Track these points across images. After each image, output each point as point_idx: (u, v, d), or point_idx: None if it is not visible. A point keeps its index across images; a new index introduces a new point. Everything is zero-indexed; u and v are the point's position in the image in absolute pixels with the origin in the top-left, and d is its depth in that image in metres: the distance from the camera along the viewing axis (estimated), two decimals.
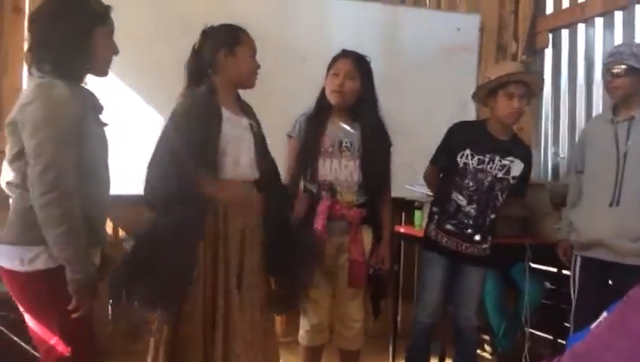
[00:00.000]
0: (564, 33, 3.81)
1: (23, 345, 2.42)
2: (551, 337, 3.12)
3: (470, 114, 3.70)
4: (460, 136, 2.59)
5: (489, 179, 2.51)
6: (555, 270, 2.97)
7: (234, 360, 2.06)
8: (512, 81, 2.46)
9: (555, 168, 3.82)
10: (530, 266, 2.92)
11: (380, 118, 2.50)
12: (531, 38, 3.95)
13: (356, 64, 2.43)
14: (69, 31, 1.70)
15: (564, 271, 2.81)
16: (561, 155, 3.75)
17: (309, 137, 2.44)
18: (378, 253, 2.49)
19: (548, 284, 3.19)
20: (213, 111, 2.12)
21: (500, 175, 2.51)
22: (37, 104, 1.61)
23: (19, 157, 1.66)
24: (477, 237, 2.53)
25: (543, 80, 2.68)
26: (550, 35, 3.90)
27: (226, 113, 2.16)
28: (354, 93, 2.43)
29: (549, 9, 3.94)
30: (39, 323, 1.71)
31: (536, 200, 3.03)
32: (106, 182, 1.86)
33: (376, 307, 2.58)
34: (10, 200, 1.74)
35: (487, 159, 2.51)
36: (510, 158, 2.52)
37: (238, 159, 2.17)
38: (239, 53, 2.19)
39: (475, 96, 2.65)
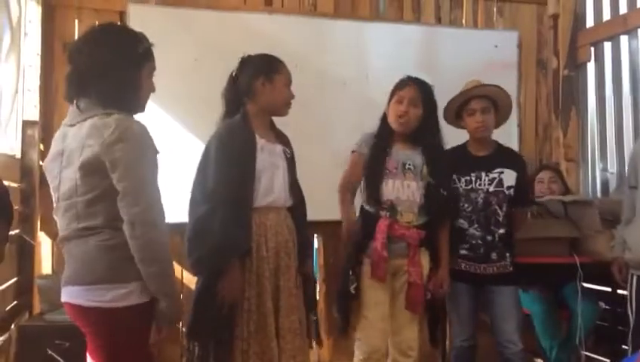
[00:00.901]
0: (607, 46, 3.73)
1: None
2: (608, 360, 3.00)
3: (512, 130, 3.66)
4: None
5: (482, 196, 2.54)
6: (609, 289, 2.86)
7: None
8: (471, 97, 2.55)
9: (604, 184, 3.71)
10: (582, 286, 2.82)
11: (442, 145, 2.49)
12: (573, 53, 3.88)
13: (420, 91, 2.43)
14: (127, 66, 1.69)
15: (620, 291, 2.70)
16: (610, 171, 3.65)
17: (375, 159, 2.44)
18: (437, 277, 2.45)
19: (602, 304, 3.07)
20: (247, 139, 2.18)
21: (491, 189, 2.53)
22: (127, 144, 1.59)
23: (103, 198, 1.62)
24: (493, 256, 2.52)
25: (500, 89, 2.65)
26: (592, 49, 3.83)
27: (260, 141, 2.21)
28: (417, 119, 2.43)
29: (590, 22, 3.88)
30: (119, 356, 1.67)
31: (585, 217, 2.95)
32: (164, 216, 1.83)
33: (433, 334, 2.52)
34: (78, 242, 1.66)
35: (473, 178, 2.56)
36: (498, 170, 2.55)
37: (272, 186, 2.21)
38: (276, 81, 2.25)
39: (446, 120, 2.67)
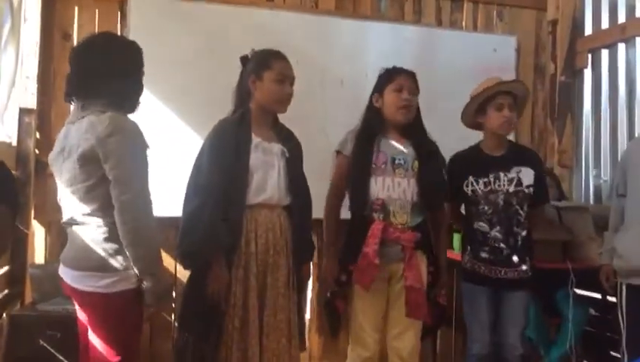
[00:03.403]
0: (604, 53, 3.76)
1: None
2: None
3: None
4: (458, 167, 2.58)
5: (502, 197, 2.48)
6: (599, 296, 2.88)
7: None
8: (498, 92, 2.49)
9: (597, 191, 3.74)
10: (574, 292, 2.84)
11: (431, 137, 2.45)
12: (570, 59, 3.90)
13: (415, 80, 2.41)
14: (127, 67, 1.89)
15: (610, 298, 2.73)
16: (603, 178, 3.68)
17: (363, 154, 2.35)
18: (440, 281, 2.41)
19: (592, 311, 3.09)
20: (241, 137, 2.18)
21: (511, 189, 2.48)
22: (119, 137, 1.77)
23: (99, 185, 1.79)
24: (515, 259, 2.47)
25: (526, 86, 2.67)
26: (589, 56, 3.85)
27: (255, 140, 2.21)
28: (415, 110, 2.39)
29: (588, 30, 3.90)
30: (107, 340, 1.84)
31: (579, 223, 2.97)
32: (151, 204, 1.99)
33: (426, 335, 2.47)
34: (77, 228, 1.85)
35: (492, 179, 2.50)
36: (516, 169, 2.50)
37: (264, 185, 2.20)
38: (266, 78, 2.23)
39: (463, 116, 2.62)
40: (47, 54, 3.16)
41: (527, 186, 2.49)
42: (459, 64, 3.73)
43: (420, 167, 2.36)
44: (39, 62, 3.09)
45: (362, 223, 2.31)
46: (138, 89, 1.94)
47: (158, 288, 1.81)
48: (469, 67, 3.73)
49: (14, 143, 2.99)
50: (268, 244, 2.19)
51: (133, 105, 1.93)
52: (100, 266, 1.80)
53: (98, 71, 1.85)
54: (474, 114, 2.60)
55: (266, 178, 2.21)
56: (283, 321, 2.20)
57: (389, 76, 2.40)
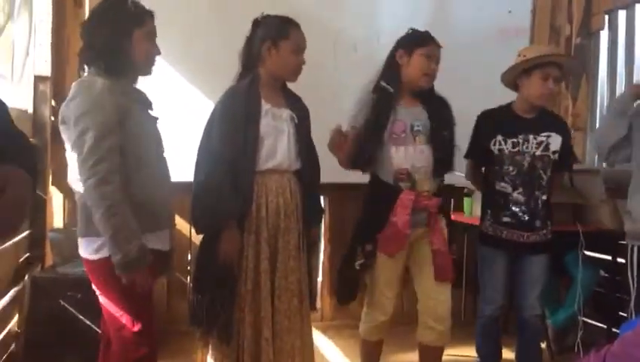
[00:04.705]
0: (621, 14, 3.68)
1: (88, 322, 2.57)
2: (605, 326, 3.06)
3: None
4: (488, 124, 2.55)
5: (528, 159, 2.46)
6: (609, 258, 2.90)
7: (264, 344, 2.14)
8: (549, 62, 2.43)
9: None
10: (583, 254, 2.86)
11: (440, 94, 2.42)
12: (586, 20, 3.83)
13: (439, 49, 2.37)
14: (109, 33, 1.82)
15: (619, 259, 2.74)
16: None
17: (379, 120, 2.30)
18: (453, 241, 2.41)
19: (602, 272, 3.12)
20: (251, 103, 2.18)
21: (538, 153, 2.45)
22: (79, 99, 1.74)
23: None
24: (537, 223, 2.46)
25: (581, 67, 2.60)
26: (606, 17, 3.77)
27: (265, 106, 2.20)
28: None
29: None
30: (111, 304, 1.84)
31: (590, 186, 2.97)
32: (163, 169, 1.96)
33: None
34: (76, 195, 1.85)
35: (521, 140, 2.47)
36: (546, 134, 2.47)
37: (275, 151, 2.21)
38: (282, 48, 2.20)
39: (506, 75, 2.56)
40: (60, 21, 3.18)
41: (554, 152, 2.47)
42: (474, 26, 3.69)
43: (434, 135, 2.33)
44: (52, 29, 3.11)
45: (387, 191, 2.30)
46: (122, 51, 1.83)
47: (116, 258, 1.70)
48: (484, 28, 3.70)
49: (30, 111, 3.03)
50: (279, 208, 2.21)
51: (121, 68, 1.84)
52: (84, 231, 1.80)
53: (89, 43, 1.84)
54: (517, 75, 2.53)
55: (276, 144, 2.21)
56: (294, 283, 2.23)
57: (422, 39, 2.35)
